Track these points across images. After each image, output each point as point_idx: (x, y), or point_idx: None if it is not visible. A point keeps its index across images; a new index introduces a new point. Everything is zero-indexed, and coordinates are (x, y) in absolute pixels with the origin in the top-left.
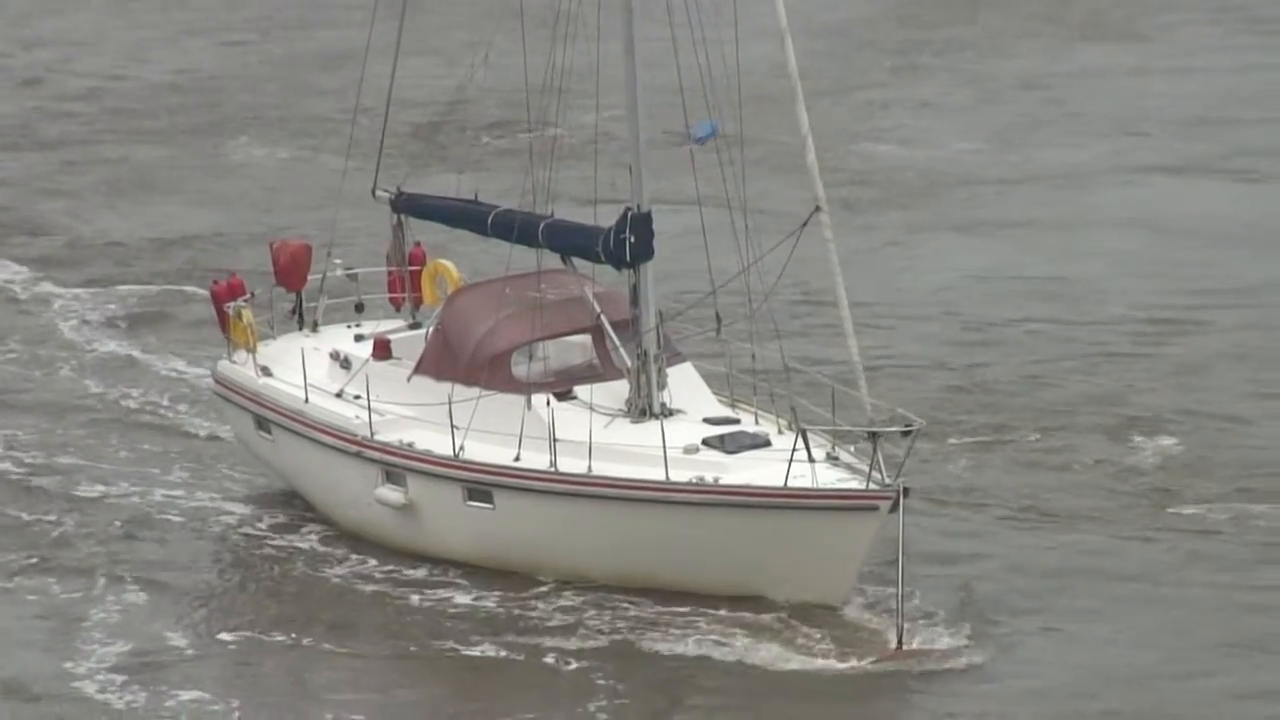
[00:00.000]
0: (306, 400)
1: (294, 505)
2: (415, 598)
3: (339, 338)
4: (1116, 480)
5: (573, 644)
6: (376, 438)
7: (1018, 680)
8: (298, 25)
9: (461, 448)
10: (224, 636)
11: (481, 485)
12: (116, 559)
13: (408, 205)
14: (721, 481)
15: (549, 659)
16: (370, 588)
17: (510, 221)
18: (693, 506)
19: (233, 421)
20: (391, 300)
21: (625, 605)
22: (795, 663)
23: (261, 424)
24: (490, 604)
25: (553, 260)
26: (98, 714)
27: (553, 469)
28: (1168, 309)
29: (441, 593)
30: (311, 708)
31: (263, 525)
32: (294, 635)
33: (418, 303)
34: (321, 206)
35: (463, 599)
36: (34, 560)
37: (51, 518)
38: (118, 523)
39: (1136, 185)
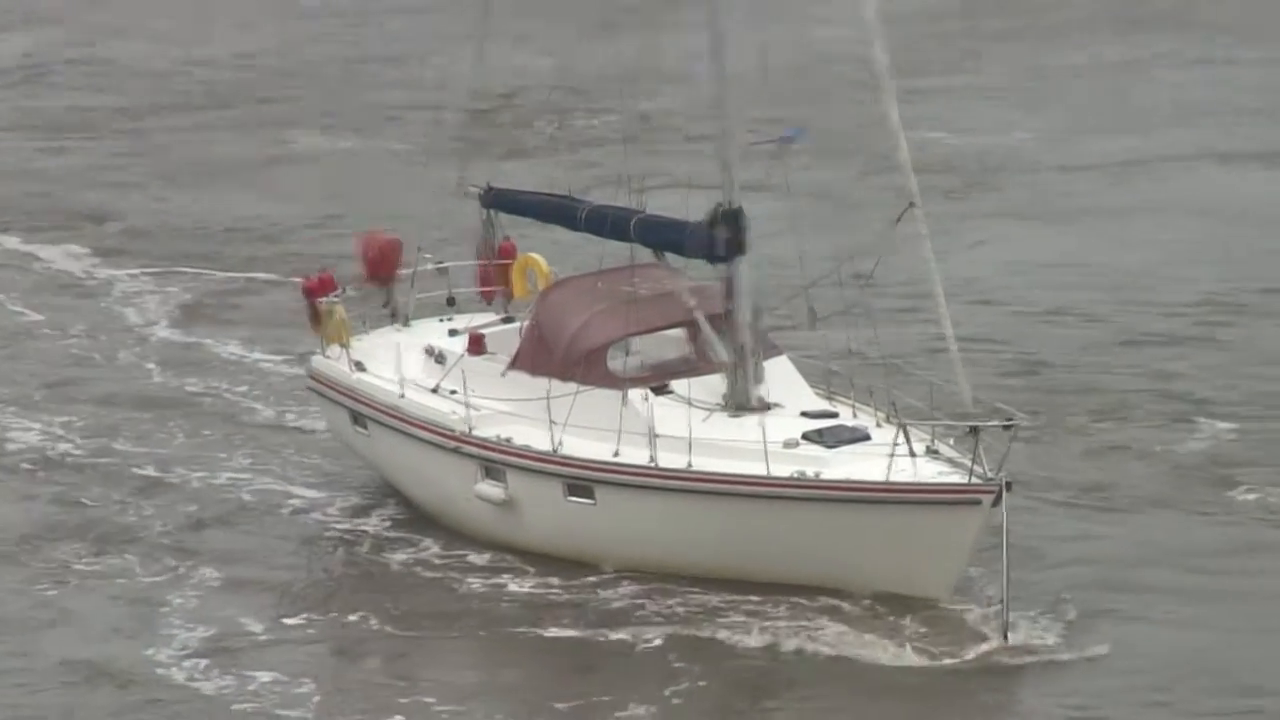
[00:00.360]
0: (402, 396)
1: (362, 489)
2: (477, 582)
3: (431, 332)
4: (1178, 466)
5: (653, 633)
6: (475, 433)
7: (1123, 673)
8: (356, 15)
9: (560, 443)
10: (295, 620)
11: (582, 481)
12: (188, 545)
13: (497, 201)
14: (822, 476)
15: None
16: (430, 574)
17: (603, 217)
18: (794, 501)
19: (327, 416)
20: (483, 294)
21: (721, 595)
22: (891, 657)
23: (357, 419)
24: (557, 590)
25: (643, 254)
26: (186, 697)
27: (653, 464)
28: (1227, 295)
29: (506, 578)
30: (387, 692)
31: (332, 510)
32: (364, 618)
33: (509, 296)
34: (382, 196)
35: (527, 585)
36: (109, 546)
37: (120, 502)
38: (190, 508)
39: (1196, 172)
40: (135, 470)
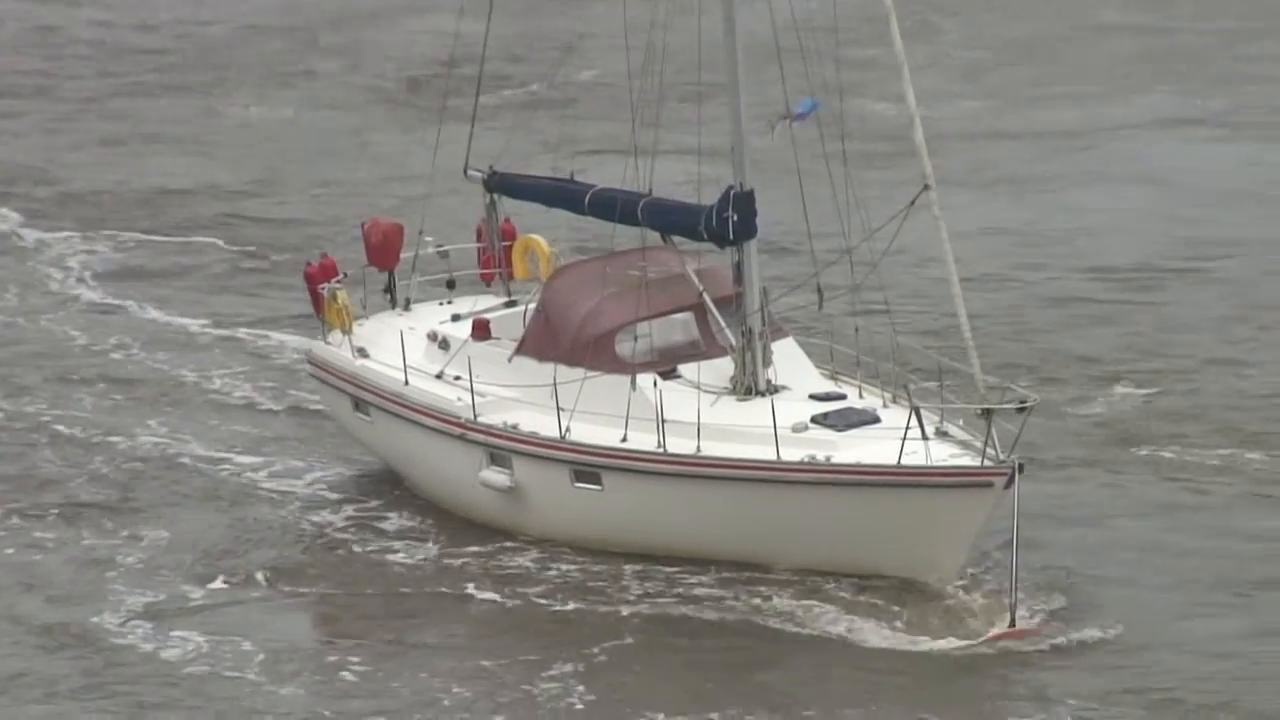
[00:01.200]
0: (406, 383)
1: (294, 453)
2: (403, 545)
3: (431, 316)
4: (1103, 429)
5: (642, 610)
6: (480, 420)
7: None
8: None
9: (568, 429)
10: (230, 584)
11: (590, 467)
12: (120, 507)
13: (501, 185)
14: (833, 460)
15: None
16: (362, 536)
17: (610, 201)
18: (805, 486)
19: (329, 403)
20: (483, 276)
21: (723, 580)
22: (902, 640)
23: (359, 405)
24: (560, 570)
25: (649, 238)
26: (134, 660)
27: (661, 450)
28: (1165, 261)
29: (448, 543)
30: (330, 651)
31: (263, 473)
32: (300, 580)
33: (509, 277)
34: (321, 163)
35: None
36: (44, 508)
37: (55, 463)
38: (119, 471)
39: (1138, 141)
40: (60, 430)
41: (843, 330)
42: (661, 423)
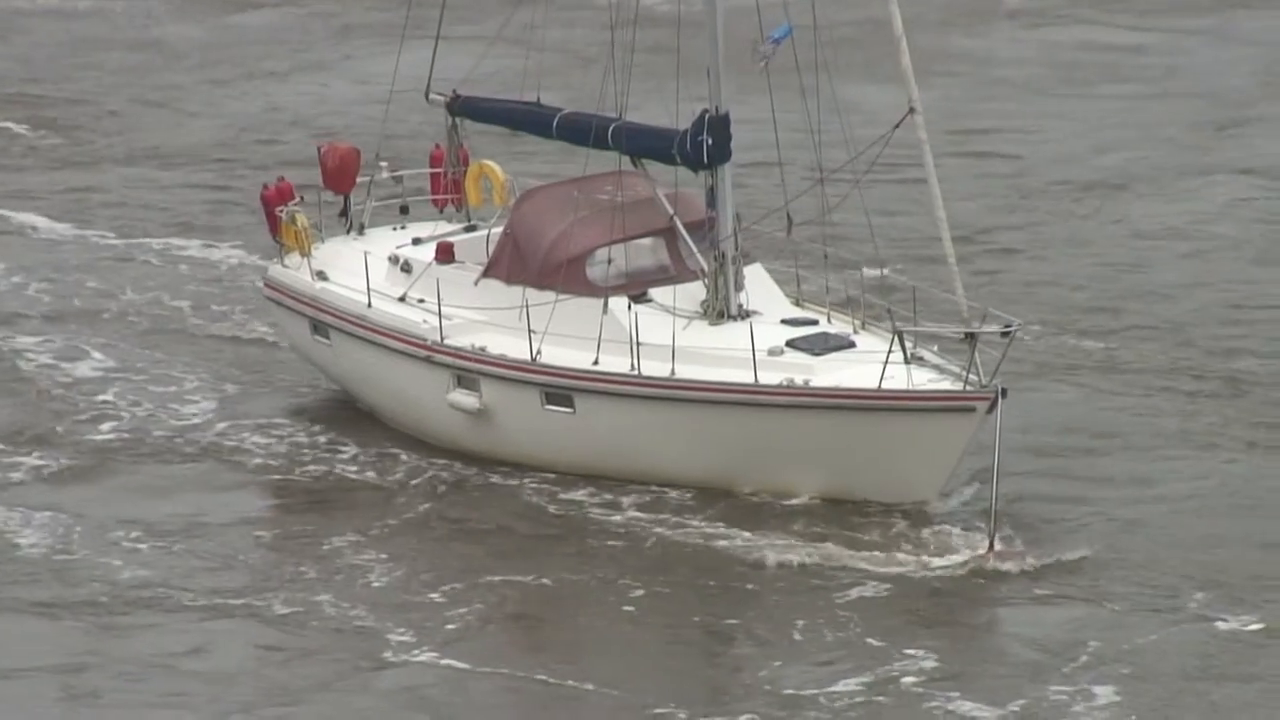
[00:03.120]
0: (370, 305)
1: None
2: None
3: (387, 240)
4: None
5: (648, 548)
6: (447, 342)
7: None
8: None
9: (539, 352)
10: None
11: (561, 389)
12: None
13: (465, 108)
14: (811, 384)
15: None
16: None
17: (578, 125)
18: (784, 409)
19: (285, 325)
20: (435, 203)
21: (702, 508)
22: (879, 562)
23: (318, 329)
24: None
25: (611, 163)
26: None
27: (635, 372)
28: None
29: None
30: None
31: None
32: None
33: (459, 204)
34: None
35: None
36: None
37: None
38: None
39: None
40: None
41: (814, 258)
42: (636, 345)
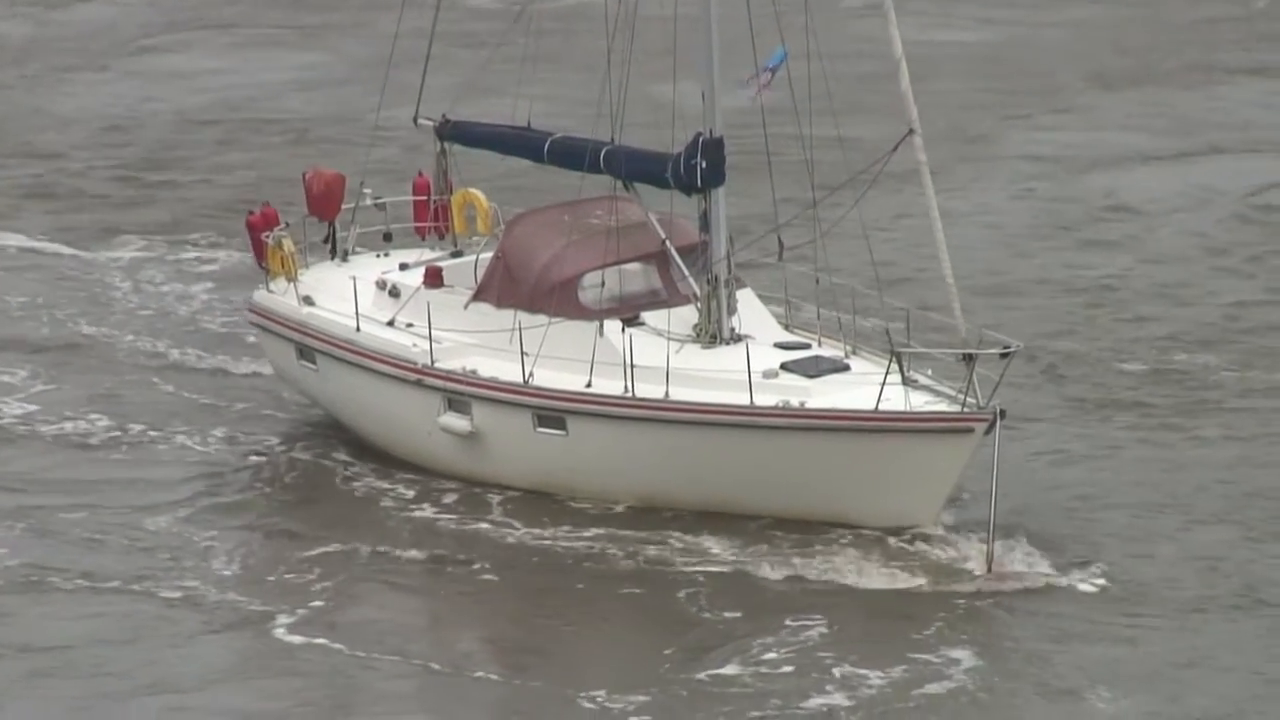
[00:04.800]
0: (358, 329)
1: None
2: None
3: (372, 267)
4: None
5: (650, 570)
6: (438, 365)
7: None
8: None
9: (531, 374)
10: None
11: (554, 412)
12: None
13: (454, 133)
14: (806, 406)
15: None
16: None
17: (571, 149)
18: (780, 431)
19: (271, 351)
20: (418, 230)
21: (695, 526)
22: (877, 582)
23: (304, 354)
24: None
25: (605, 187)
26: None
27: (630, 394)
28: None
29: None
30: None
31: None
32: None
33: (442, 232)
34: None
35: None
36: None
37: None
38: None
39: None
40: None
41: (806, 283)
42: (630, 368)
